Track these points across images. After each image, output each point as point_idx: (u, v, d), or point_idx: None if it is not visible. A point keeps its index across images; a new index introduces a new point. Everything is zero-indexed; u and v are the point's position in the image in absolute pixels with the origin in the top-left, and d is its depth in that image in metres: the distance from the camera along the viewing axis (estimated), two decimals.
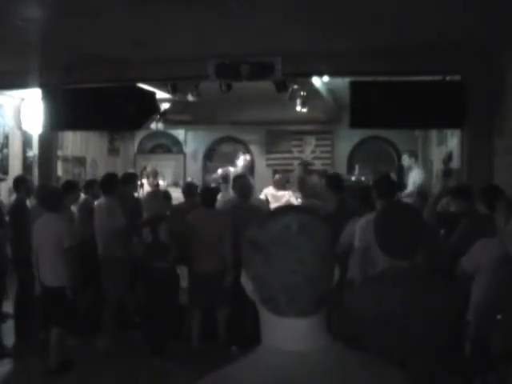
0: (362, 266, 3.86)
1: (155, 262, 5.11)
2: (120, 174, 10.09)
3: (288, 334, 1.02)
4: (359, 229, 3.96)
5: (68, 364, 4.88)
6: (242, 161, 9.72)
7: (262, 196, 8.95)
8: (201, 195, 5.67)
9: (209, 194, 5.59)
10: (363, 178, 9.18)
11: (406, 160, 8.71)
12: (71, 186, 5.96)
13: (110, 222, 5.57)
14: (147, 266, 5.19)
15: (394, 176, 8.71)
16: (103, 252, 5.59)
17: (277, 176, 9.36)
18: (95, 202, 6.01)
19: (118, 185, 5.97)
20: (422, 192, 5.79)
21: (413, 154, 8.91)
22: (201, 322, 5.37)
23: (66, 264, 4.72)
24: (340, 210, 4.98)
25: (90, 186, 6.67)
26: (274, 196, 8.37)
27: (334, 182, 5.37)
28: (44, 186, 6.26)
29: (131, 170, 8.78)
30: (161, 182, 8.95)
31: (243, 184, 5.90)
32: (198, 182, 9.83)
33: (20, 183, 6.24)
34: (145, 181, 8.80)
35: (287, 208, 1.15)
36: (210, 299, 5.28)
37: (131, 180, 6.54)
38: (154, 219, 5.26)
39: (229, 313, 5.33)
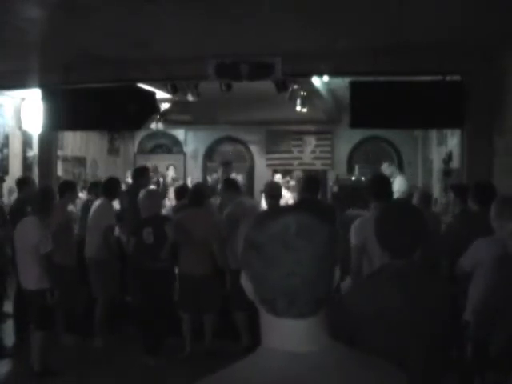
0: (355, 263, 3.86)
1: (157, 262, 5.10)
2: (120, 174, 10.15)
3: (287, 335, 1.02)
4: (354, 228, 3.95)
5: (50, 367, 4.81)
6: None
7: (263, 197, 8.96)
8: (188, 195, 5.66)
9: (196, 193, 5.53)
10: (363, 178, 9.19)
11: (386, 169, 8.80)
12: (68, 187, 5.97)
13: (99, 222, 5.62)
14: (146, 267, 5.17)
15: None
16: (91, 253, 5.63)
17: (276, 178, 9.40)
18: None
19: (119, 188, 6.05)
20: (424, 193, 5.78)
21: (392, 163, 9.06)
22: (190, 324, 5.30)
23: (43, 269, 4.65)
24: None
25: (95, 186, 6.69)
26: None
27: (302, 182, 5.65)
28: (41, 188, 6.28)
29: (145, 165, 8.80)
30: (162, 180, 8.96)
31: (272, 186, 5.88)
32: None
33: (23, 184, 6.24)
34: None
35: (287, 209, 1.14)
36: (197, 302, 5.23)
37: (142, 174, 6.57)
38: (155, 219, 5.23)
39: (215, 317, 5.28)
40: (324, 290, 1.03)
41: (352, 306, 2.04)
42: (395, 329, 1.95)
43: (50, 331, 4.85)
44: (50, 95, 6.71)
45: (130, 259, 5.46)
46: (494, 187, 4.32)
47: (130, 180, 8.33)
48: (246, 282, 1.06)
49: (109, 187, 5.92)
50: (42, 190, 5.52)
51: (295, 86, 7.31)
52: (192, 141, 12.73)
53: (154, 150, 12.77)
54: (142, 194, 5.49)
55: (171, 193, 8.52)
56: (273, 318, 1.03)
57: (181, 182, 9.93)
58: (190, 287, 5.23)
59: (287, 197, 8.64)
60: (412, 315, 1.98)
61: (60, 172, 8.94)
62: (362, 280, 2.83)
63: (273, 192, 5.55)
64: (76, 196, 6.27)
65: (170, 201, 8.28)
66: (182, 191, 6.49)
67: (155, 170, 9.53)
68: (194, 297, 5.21)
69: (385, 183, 4.24)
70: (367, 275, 3.01)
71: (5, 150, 8.58)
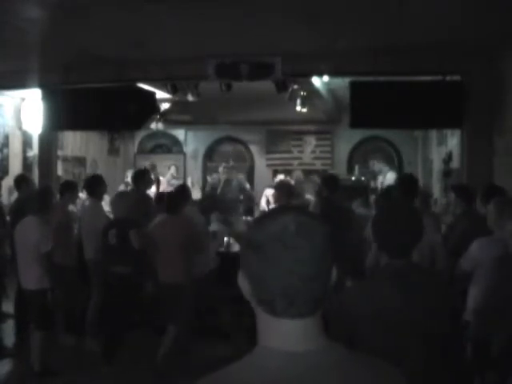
0: (373, 260, 3.86)
1: (115, 265, 4.89)
2: (120, 174, 10.15)
3: (285, 335, 1.02)
4: None
5: (50, 367, 4.77)
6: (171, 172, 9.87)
7: (263, 198, 9.00)
8: (166, 201, 5.38)
9: (172, 199, 5.29)
10: (363, 178, 9.20)
11: (374, 166, 8.93)
12: (69, 187, 5.97)
13: (91, 225, 5.58)
14: (110, 269, 4.96)
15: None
16: (88, 255, 5.60)
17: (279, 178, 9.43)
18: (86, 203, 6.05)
19: (103, 186, 5.98)
20: (422, 192, 5.79)
21: (380, 160, 9.20)
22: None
23: (44, 269, 4.61)
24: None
25: None
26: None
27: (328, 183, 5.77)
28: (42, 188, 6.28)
29: (147, 166, 8.84)
30: (162, 179, 8.97)
31: (285, 186, 5.94)
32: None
33: (21, 182, 6.24)
34: None
35: (285, 208, 1.15)
36: (163, 313, 5.00)
37: (142, 177, 6.55)
38: (121, 222, 5.02)
39: (176, 331, 4.94)
40: (322, 290, 1.03)
41: (351, 306, 2.03)
42: (394, 329, 1.95)
43: (50, 331, 4.85)
44: (50, 95, 6.71)
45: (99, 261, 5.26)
46: (504, 189, 4.31)
47: (129, 180, 8.33)
48: (243, 282, 1.06)
49: (88, 185, 5.93)
50: (42, 190, 5.51)
51: (295, 86, 7.31)
52: (192, 141, 12.72)
53: (154, 150, 12.76)
54: (114, 195, 5.41)
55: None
56: (270, 318, 1.03)
57: (180, 182, 9.93)
58: (161, 296, 5.03)
59: None
60: (411, 315, 1.98)
61: (60, 172, 8.94)
62: (362, 280, 2.83)
63: (291, 190, 5.81)
64: (76, 196, 6.27)
65: None
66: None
67: (153, 168, 9.53)
68: (161, 306, 5.00)
69: (412, 183, 4.37)
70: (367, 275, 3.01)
71: (5, 150, 8.58)
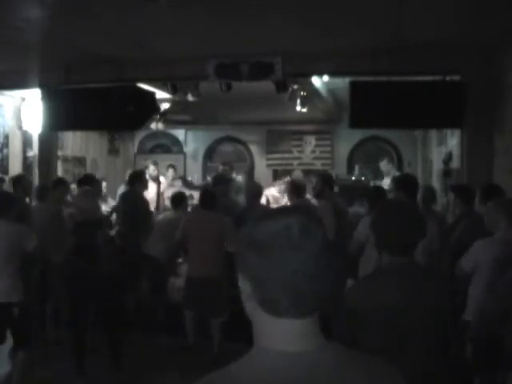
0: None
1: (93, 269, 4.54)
2: (120, 174, 10.14)
3: (285, 334, 1.02)
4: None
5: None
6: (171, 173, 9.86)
7: (263, 198, 8.98)
8: (199, 196, 5.58)
9: (207, 195, 5.45)
10: (363, 178, 9.19)
11: (384, 166, 8.88)
12: (60, 183, 6.00)
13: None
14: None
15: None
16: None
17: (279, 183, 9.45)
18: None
19: (50, 191, 5.86)
20: (427, 190, 5.79)
21: (391, 160, 9.15)
22: (193, 321, 5.21)
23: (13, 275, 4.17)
24: None
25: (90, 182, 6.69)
26: (275, 197, 8.37)
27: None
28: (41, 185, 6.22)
29: (149, 163, 8.84)
30: (162, 179, 8.95)
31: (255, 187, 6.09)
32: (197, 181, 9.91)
33: (16, 183, 6.24)
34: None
35: (286, 209, 1.15)
36: (204, 307, 5.11)
37: (138, 178, 6.54)
38: (87, 223, 4.66)
39: (224, 321, 5.13)
40: (325, 289, 1.03)
41: (352, 304, 2.03)
42: (395, 328, 1.95)
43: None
44: (50, 95, 6.71)
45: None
46: (502, 189, 4.31)
47: None
48: (243, 283, 1.06)
49: (39, 191, 5.77)
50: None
51: (295, 86, 7.31)
52: (192, 141, 12.71)
53: (154, 150, 12.75)
54: (76, 193, 5.26)
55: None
56: (271, 319, 1.03)
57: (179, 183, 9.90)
58: (198, 290, 5.10)
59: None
60: (412, 314, 1.98)
61: (60, 172, 8.92)
62: (363, 278, 2.83)
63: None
64: (67, 193, 6.27)
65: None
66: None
67: (156, 164, 9.49)
68: (202, 301, 5.08)
69: (413, 183, 4.37)
70: (369, 274, 3.01)
71: (5, 150, 8.57)
